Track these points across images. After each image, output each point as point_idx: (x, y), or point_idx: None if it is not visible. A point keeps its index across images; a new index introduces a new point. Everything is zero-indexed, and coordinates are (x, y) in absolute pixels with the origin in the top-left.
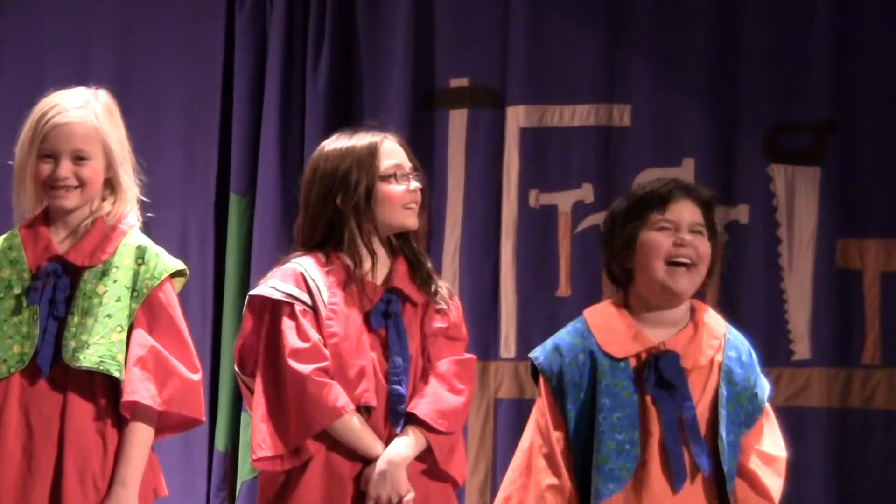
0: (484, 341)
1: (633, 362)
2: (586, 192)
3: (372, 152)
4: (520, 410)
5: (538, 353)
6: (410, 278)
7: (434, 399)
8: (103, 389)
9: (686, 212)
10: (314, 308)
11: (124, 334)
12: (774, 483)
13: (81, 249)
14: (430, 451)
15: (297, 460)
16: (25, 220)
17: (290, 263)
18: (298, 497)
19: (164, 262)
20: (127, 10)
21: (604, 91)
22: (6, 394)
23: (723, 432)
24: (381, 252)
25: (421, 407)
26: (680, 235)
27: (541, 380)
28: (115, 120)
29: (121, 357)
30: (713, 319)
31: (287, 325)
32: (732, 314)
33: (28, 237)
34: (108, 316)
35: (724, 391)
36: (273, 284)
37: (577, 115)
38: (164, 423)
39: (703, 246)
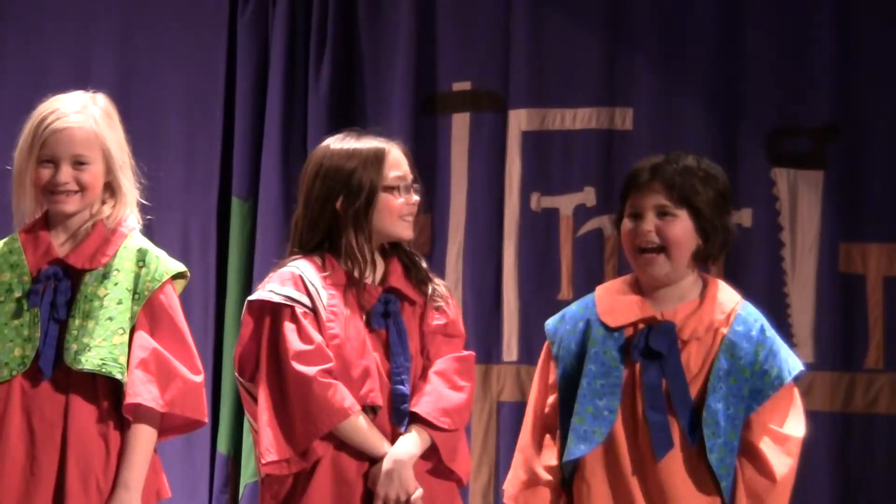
0: (486, 344)
1: (628, 332)
2: (588, 196)
3: (379, 159)
4: (522, 413)
5: (549, 321)
6: (406, 277)
7: (436, 397)
8: (105, 392)
9: (649, 196)
10: (314, 310)
11: (126, 337)
12: (782, 462)
13: (82, 252)
14: (434, 448)
15: (306, 463)
16: (25, 225)
17: (286, 267)
18: (308, 499)
19: (165, 264)
20: (129, 13)
21: (606, 94)
22: (8, 397)
23: (714, 404)
24: (376, 256)
25: (423, 405)
26: (640, 223)
27: (545, 344)
28: (113, 124)
29: (123, 359)
30: (726, 294)
31: (289, 327)
32: None
33: (28, 241)
34: (110, 318)
35: (723, 363)
36: (272, 288)
37: (579, 119)
38: (167, 425)
39: (673, 227)
